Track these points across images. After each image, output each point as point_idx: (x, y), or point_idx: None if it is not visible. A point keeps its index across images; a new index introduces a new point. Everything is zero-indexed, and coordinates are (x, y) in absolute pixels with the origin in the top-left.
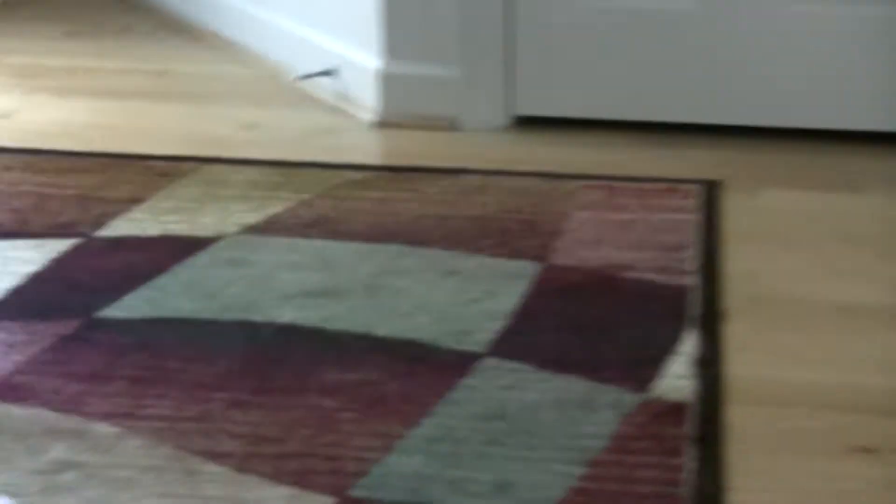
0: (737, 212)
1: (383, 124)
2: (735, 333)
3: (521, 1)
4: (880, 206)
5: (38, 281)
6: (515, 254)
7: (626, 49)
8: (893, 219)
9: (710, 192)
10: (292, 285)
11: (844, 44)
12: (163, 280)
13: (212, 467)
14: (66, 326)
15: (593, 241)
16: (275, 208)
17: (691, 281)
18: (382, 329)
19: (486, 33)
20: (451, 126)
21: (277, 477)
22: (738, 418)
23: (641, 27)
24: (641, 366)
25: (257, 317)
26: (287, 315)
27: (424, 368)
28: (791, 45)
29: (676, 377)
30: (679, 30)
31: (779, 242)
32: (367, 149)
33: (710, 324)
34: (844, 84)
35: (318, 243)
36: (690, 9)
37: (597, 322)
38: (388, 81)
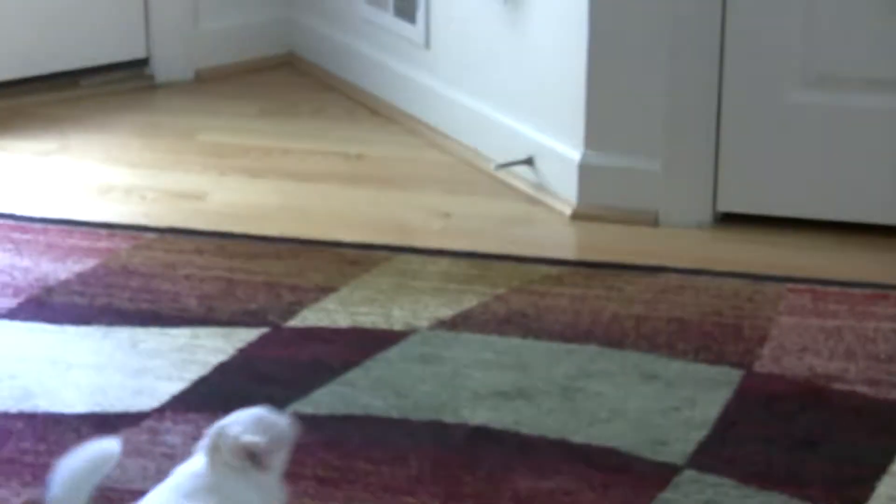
0: None
1: (581, 216)
2: None
3: (726, 95)
4: None
5: (224, 371)
6: (717, 359)
7: (835, 146)
8: None
9: None
10: (485, 385)
11: None
12: (352, 375)
13: None
14: None
15: (799, 348)
16: (468, 303)
17: None
18: (578, 435)
19: (691, 127)
20: (651, 221)
21: None
22: None
23: (850, 124)
24: (850, 485)
25: (449, 417)
26: (479, 416)
27: (621, 479)
28: None
29: (888, 499)
30: (892, 127)
31: None
32: (564, 242)
33: None
34: None
35: (513, 341)
36: None
37: (802, 435)
38: (588, 172)
